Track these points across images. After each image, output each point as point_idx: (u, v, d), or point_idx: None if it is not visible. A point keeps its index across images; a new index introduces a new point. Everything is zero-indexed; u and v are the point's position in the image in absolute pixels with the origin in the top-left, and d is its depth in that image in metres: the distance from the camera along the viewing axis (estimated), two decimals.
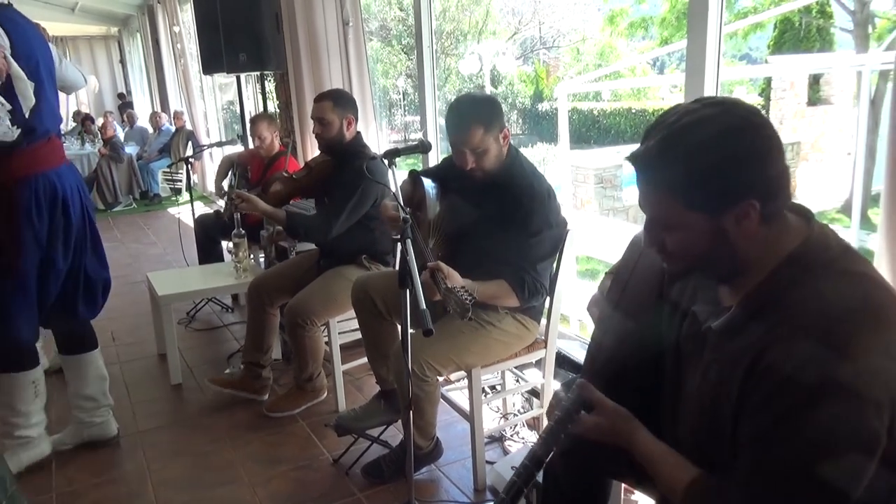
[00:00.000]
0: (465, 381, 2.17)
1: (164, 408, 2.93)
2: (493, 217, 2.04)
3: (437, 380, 2.07)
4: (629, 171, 9.76)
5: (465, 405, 2.20)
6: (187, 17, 7.60)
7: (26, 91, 1.99)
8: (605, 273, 1.44)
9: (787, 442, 0.92)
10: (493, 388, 2.74)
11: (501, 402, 2.64)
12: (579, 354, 2.72)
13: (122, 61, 12.05)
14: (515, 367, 2.43)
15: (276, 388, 3.00)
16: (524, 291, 2.00)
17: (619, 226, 8.71)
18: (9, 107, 1.85)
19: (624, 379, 1.24)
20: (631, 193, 9.57)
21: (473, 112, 2.01)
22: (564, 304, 2.35)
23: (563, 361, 2.61)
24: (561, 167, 9.46)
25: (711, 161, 0.98)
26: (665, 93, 16.23)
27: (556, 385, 2.34)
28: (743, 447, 0.99)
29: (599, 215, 9.41)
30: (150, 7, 8.82)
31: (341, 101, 2.71)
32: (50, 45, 2.28)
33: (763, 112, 1.04)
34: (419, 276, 1.63)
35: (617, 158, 10.44)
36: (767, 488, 0.94)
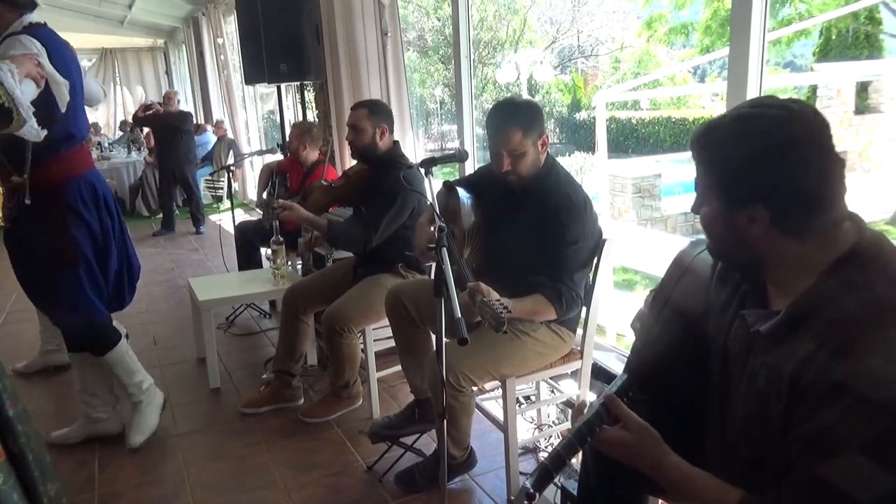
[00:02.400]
0: (500, 390, 2.16)
1: (203, 411, 2.98)
2: (528, 226, 2.03)
3: (472, 390, 2.06)
4: (668, 180, 9.63)
5: (500, 415, 2.19)
6: (231, 28, 7.78)
7: (62, 92, 2.11)
8: (650, 290, 1.42)
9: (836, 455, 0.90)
10: (527, 398, 2.72)
11: (536, 413, 2.61)
12: (616, 366, 2.68)
13: (168, 72, 12.39)
14: (550, 378, 2.41)
15: (312, 393, 3.03)
16: (562, 303, 1.98)
17: (658, 236, 8.58)
18: (32, 109, 1.93)
19: (665, 380, 1.22)
20: (670, 203, 9.43)
21: (514, 114, 2.01)
22: (601, 315, 2.32)
23: (599, 373, 2.58)
24: (598, 176, 9.37)
25: (727, 158, 1.03)
26: (706, 101, 15.97)
27: (591, 397, 2.31)
28: (792, 456, 0.96)
29: (637, 225, 9.29)
30: (196, 20, 9.05)
31: (377, 111, 2.74)
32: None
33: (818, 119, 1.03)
34: (455, 290, 1.63)
35: (656, 168, 10.30)
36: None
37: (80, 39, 2.37)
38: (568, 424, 2.46)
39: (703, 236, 1.18)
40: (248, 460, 2.53)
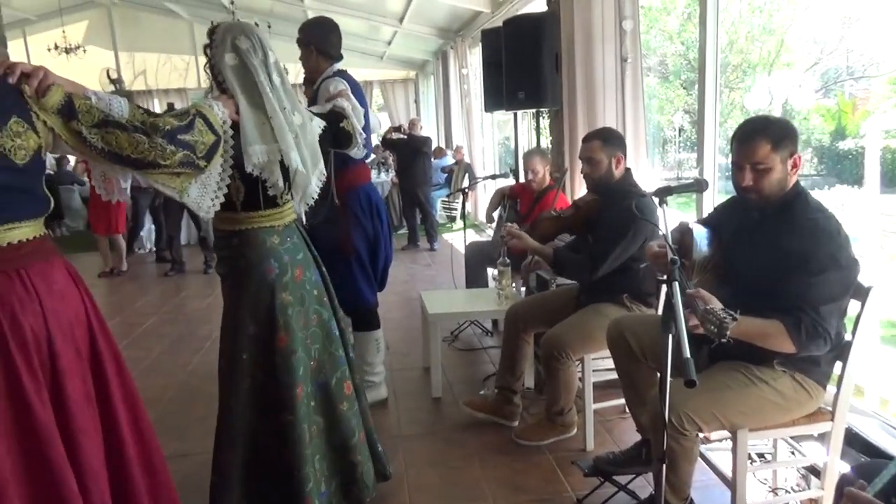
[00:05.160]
0: (729, 441, 1.98)
1: (424, 418, 3.16)
2: (769, 253, 1.85)
3: (697, 436, 1.91)
4: None
5: (727, 470, 2.00)
6: (475, 59, 8.25)
7: (360, 119, 2.51)
8: None
9: None
10: (761, 455, 2.45)
11: (771, 474, 2.34)
12: (877, 435, 2.31)
13: (416, 101, 13.53)
14: (791, 437, 2.15)
15: (527, 416, 3.05)
16: (800, 333, 1.76)
17: None
18: (364, 135, 2.50)
19: None
20: None
21: (763, 126, 1.87)
22: (860, 373, 2.02)
23: (853, 440, 2.24)
24: (866, 214, 8.17)
25: None
26: None
27: (843, 467, 2.01)
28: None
29: None
30: (444, 52, 9.77)
31: (610, 140, 2.69)
32: None
33: None
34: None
35: None
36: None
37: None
38: (810, 494, 2.17)
39: None
40: (461, 472, 2.62)
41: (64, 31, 10.48)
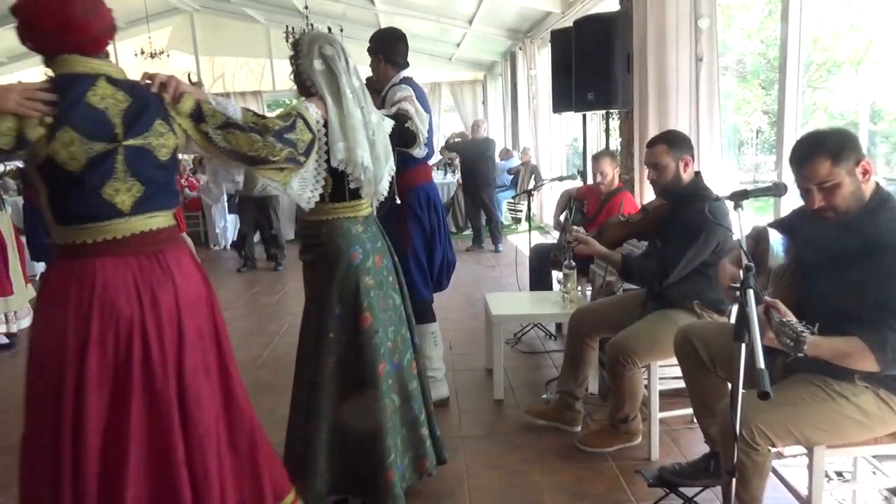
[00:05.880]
0: (804, 458, 1.89)
1: (486, 420, 3.15)
2: (851, 266, 1.76)
3: (769, 450, 1.83)
4: None
5: (802, 488, 1.91)
6: (543, 60, 8.19)
7: (425, 123, 2.65)
8: None
9: None
10: (839, 474, 2.32)
11: (850, 494, 2.22)
12: None
13: (484, 102, 13.54)
14: (873, 456, 2.03)
15: (590, 421, 3.00)
16: (885, 351, 1.66)
17: None
18: (426, 136, 2.65)
19: None
20: None
21: (817, 143, 1.79)
22: None
23: None
24: None
25: None
26: None
27: None
28: None
29: None
30: (513, 54, 9.73)
31: (675, 143, 2.61)
32: None
33: None
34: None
35: None
36: None
37: (416, 74, 3.05)
38: None
39: None
40: (522, 475, 2.60)
41: (150, 37, 11.03)
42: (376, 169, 2.19)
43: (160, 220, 1.67)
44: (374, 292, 2.22)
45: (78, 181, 1.53)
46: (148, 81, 1.66)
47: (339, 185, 2.17)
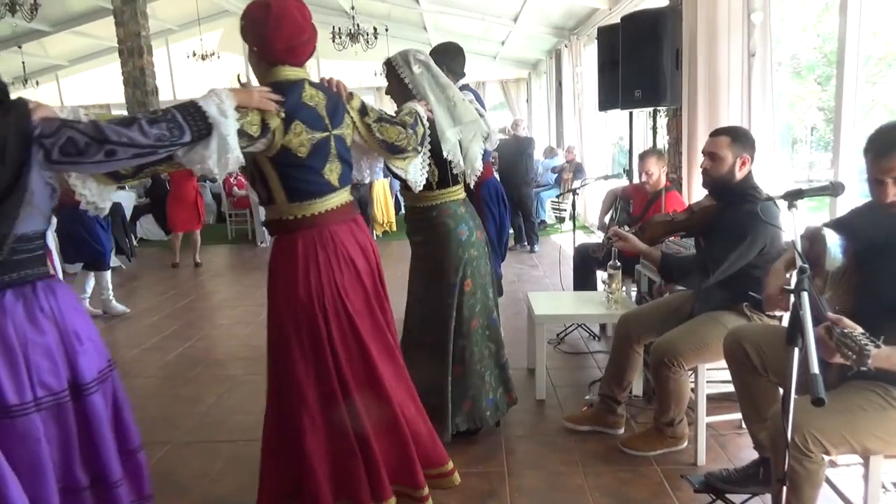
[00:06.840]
0: (859, 466, 1.82)
1: (527, 419, 3.13)
2: None
3: (823, 458, 1.77)
4: None
5: (857, 498, 1.84)
6: (589, 57, 8.09)
7: (488, 122, 2.88)
8: None
9: None
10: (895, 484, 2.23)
11: None
12: None
13: (528, 100, 13.47)
14: None
15: (634, 424, 2.96)
16: None
17: None
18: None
19: None
20: None
21: None
22: None
23: None
24: None
25: None
26: None
27: None
28: None
29: None
30: (558, 51, 9.65)
31: (740, 139, 2.54)
32: None
33: None
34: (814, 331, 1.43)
35: None
36: None
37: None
38: None
39: None
40: (564, 477, 2.58)
41: (201, 39, 11.33)
42: (472, 146, 2.62)
43: (347, 196, 2.09)
44: (477, 262, 2.69)
45: (306, 165, 1.94)
46: (328, 82, 2.08)
47: (443, 173, 2.59)
